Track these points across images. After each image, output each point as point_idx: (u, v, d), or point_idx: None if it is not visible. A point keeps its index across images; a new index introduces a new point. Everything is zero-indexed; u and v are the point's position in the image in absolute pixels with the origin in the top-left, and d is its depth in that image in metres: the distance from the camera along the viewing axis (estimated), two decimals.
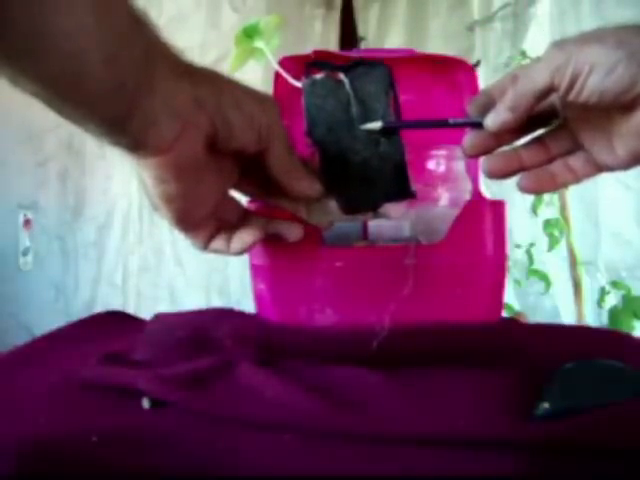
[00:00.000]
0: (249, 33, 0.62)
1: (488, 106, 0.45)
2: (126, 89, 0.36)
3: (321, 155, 0.49)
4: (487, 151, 0.47)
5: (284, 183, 0.46)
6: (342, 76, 0.49)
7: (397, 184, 0.50)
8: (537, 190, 0.47)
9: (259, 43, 0.62)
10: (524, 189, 0.47)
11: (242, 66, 0.62)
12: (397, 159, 0.49)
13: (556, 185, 0.47)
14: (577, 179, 0.47)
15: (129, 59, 0.35)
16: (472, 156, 0.47)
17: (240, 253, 0.49)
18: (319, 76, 0.49)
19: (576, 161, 0.46)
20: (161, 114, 0.37)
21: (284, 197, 0.48)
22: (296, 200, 0.49)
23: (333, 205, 0.50)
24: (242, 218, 0.50)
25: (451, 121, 0.47)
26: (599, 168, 0.46)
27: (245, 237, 0.48)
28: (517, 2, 1.79)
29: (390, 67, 0.49)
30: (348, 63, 0.49)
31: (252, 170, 0.47)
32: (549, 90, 0.41)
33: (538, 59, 0.43)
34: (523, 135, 0.47)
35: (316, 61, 0.50)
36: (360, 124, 0.48)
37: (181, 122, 0.38)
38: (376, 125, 0.48)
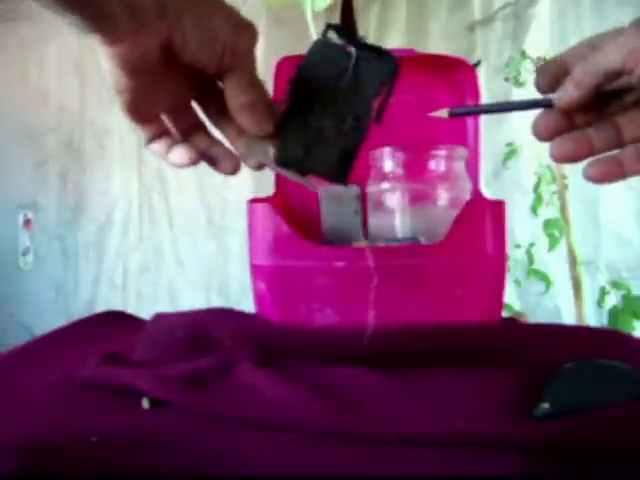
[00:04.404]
0: None
1: (558, 75, 0.42)
2: None
3: (290, 101, 0.48)
4: (559, 133, 0.43)
5: (234, 113, 0.45)
6: (352, 49, 0.49)
7: (337, 166, 0.49)
8: (604, 179, 0.44)
9: None
10: (590, 177, 0.43)
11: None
12: (351, 145, 0.48)
13: (624, 175, 0.43)
14: None
15: None
16: (544, 138, 0.44)
17: (175, 166, 0.48)
18: (333, 40, 0.49)
19: None
20: (118, 10, 0.37)
21: (231, 124, 0.47)
22: (240, 133, 0.48)
23: (271, 150, 0.49)
24: (192, 132, 0.49)
25: (520, 103, 0.45)
26: None
27: (183, 153, 0.47)
28: (517, 2, 1.78)
29: (399, 64, 0.49)
30: (364, 42, 0.49)
31: (212, 89, 0.46)
32: (620, 72, 0.39)
33: (618, 33, 0.39)
34: (597, 116, 0.44)
35: (339, 26, 0.49)
36: (344, 100, 0.48)
37: (137, 23, 0.38)
38: (443, 113, 0.48)
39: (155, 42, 0.39)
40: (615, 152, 0.44)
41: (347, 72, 0.48)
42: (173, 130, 0.47)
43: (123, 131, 2.00)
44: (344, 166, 0.49)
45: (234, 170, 0.49)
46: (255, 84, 0.44)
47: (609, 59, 0.39)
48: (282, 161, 0.48)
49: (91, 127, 2.06)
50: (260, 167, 0.49)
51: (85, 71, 2.01)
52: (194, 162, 0.47)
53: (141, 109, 0.44)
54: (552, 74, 0.43)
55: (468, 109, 0.47)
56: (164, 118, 0.47)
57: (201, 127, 0.49)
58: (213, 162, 0.49)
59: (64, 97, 2.04)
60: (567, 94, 0.41)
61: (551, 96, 0.42)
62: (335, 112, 0.48)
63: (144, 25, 0.38)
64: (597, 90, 0.40)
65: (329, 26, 0.49)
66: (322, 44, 0.48)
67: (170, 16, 0.38)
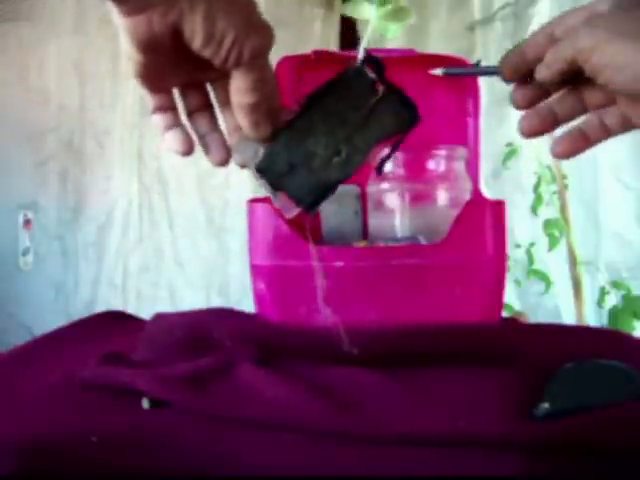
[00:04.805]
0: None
1: (521, 65, 0.45)
2: None
3: (298, 115, 0.47)
4: (535, 101, 0.46)
5: (234, 110, 0.45)
6: (380, 89, 0.48)
7: (309, 196, 0.48)
8: (572, 154, 0.47)
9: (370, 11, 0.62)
10: (558, 155, 0.47)
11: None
12: (332, 179, 0.47)
13: (590, 144, 0.46)
14: (610, 136, 0.46)
15: None
16: (523, 107, 0.47)
17: (167, 147, 0.47)
18: (368, 72, 0.47)
19: (610, 118, 0.45)
20: None
21: (232, 116, 0.47)
22: (238, 127, 0.47)
23: (257, 154, 0.48)
24: (198, 112, 0.48)
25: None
26: (632, 126, 0.45)
27: (178, 137, 0.47)
28: (517, 2, 1.78)
29: (419, 119, 0.48)
30: (395, 86, 0.48)
31: (225, 76, 0.45)
32: (576, 66, 0.41)
33: (570, 27, 0.41)
34: (569, 85, 0.46)
35: (380, 61, 0.49)
36: (348, 133, 0.47)
37: (145, 2, 0.38)
38: (438, 72, 0.48)
39: (164, 26, 0.39)
40: (579, 124, 0.46)
41: (365, 108, 0.47)
42: (180, 106, 0.47)
43: (123, 131, 2.00)
44: (316, 198, 0.48)
45: (222, 162, 0.48)
46: (260, 87, 0.43)
47: (564, 54, 0.41)
48: (261, 169, 0.47)
49: (91, 127, 2.05)
50: (244, 166, 0.49)
51: (85, 71, 2.00)
52: (186, 150, 0.47)
53: (149, 81, 0.44)
54: (514, 64, 0.45)
55: (461, 70, 0.50)
56: (174, 91, 0.47)
57: (208, 110, 0.48)
58: (207, 149, 0.48)
59: (64, 97, 2.04)
60: (540, 76, 0.43)
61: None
62: (334, 142, 0.47)
63: (153, 7, 0.38)
64: (565, 74, 0.42)
65: (369, 57, 0.47)
66: (356, 72, 0.47)
67: (182, 4, 0.38)
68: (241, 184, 1.86)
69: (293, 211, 0.49)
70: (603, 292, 1.55)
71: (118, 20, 0.40)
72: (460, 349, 0.58)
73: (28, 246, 2.10)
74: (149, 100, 0.46)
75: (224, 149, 0.48)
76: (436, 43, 1.95)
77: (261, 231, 0.66)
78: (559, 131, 0.48)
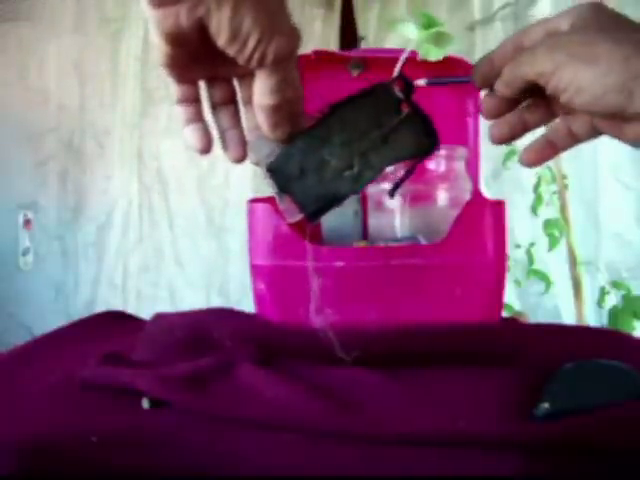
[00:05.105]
0: (430, 23, 0.62)
1: (490, 74, 0.45)
2: None
3: (318, 122, 0.47)
4: (506, 111, 0.46)
5: (255, 109, 0.45)
6: (406, 108, 0.47)
7: (314, 204, 0.48)
8: (540, 161, 0.47)
9: (413, 31, 0.62)
10: (526, 164, 0.47)
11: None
12: (340, 192, 0.47)
13: (557, 151, 0.47)
14: (577, 142, 0.46)
15: None
16: (491, 117, 0.47)
17: (186, 142, 0.48)
18: (396, 91, 0.47)
19: (578, 125, 0.45)
20: None
21: (253, 113, 0.47)
22: (257, 125, 0.47)
23: (272, 154, 0.48)
24: (222, 106, 0.48)
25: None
26: (600, 133, 0.45)
27: (198, 133, 0.47)
28: (517, 2, 1.79)
29: (438, 147, 0.48)
30: (422, 110, 0.48)
31: (251, 73, 0.45)
32: (536, 85, 0.41)
33: (533, 46, 0.42)
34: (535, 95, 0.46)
35: (410, 82, 0.48)
36: (364, 149, 0.47)
37: None
38: (421, 82, 0.48)
39: (191, 21, 0.39)
40: (546, 132, 0.47)
41: (387, 126, 0.47)
42: (207, 96, 0.47)
43: (123, 131, 2.00)
44: (321, 207, 0.48)
45: (239, 159, 0.48)
46: (283, 89, 0.43)
47: (525, 72, 0.42)
48: (272, 169, 0.47)
49: (91, 127, 2.06)
50: (257, 164, 0.49)
51: (85, 71, 2.01)
52: (203, 147, 0.47)
53: (175, 71, 0.44)
54: (483, 73, 0.45)
55: (442, 80, 0.54)
56: (201, 83, 0.47)
57: (233, 105, 0.48)
58: (225, 145, 0.49)
59: (64, 97, 2.05)
60: (499, 92, 0.44)
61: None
62: (349, 155, 0.47)
63: (181, 1, 0.38)
64: (524, 91, 0.43)
65: (399, 77, 0.47)
66: (384, 89, 0.47)
67: (209, 0, 0.38)
68: (241, 184, 1.86)
69: (296, 216, 0.49)
70: (603, 292, 1.55)
71: (147, 11, 0.40)
72: (460, 349, 0.58)
73: (28, 246, 2.11)
74: (174, 90, 0.46)
75: (242, 147, 0.48)
76: None
77: (261, 231, 0.66)
78: None
